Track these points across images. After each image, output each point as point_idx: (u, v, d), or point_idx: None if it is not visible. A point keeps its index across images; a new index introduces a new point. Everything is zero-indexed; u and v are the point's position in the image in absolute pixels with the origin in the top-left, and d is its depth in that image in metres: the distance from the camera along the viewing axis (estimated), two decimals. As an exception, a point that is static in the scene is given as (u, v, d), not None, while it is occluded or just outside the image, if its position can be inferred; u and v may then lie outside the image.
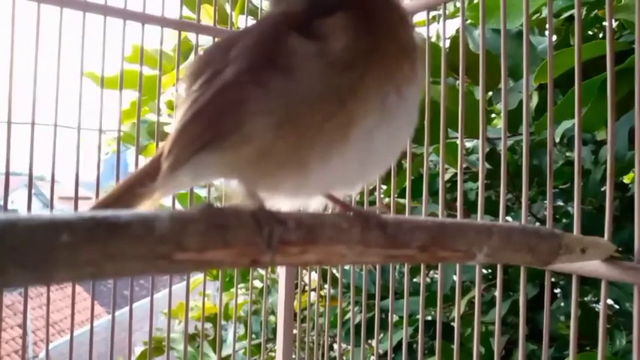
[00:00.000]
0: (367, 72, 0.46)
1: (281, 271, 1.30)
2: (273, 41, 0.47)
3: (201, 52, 1.24)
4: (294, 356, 1.26)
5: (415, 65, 0.49)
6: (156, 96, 1.12)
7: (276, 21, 0.51)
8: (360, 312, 1.05)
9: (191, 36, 1.25)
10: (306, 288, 1.68)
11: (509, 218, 1.22)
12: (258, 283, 1.94)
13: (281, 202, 0.50)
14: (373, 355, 1.27)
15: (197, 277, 1.88)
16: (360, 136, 0.46)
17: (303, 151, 0.45)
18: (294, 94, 0.45)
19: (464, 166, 0.96)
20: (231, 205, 0.45)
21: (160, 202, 0.57)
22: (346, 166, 0.48)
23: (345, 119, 0.45)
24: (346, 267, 1.30)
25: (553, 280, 1.31)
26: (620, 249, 0.80)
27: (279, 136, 0.45)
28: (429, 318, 1.41)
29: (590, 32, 1.26)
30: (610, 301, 1.25)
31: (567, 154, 1.34)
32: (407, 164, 1.04)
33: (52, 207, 1.03)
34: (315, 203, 0.54)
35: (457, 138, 0.88)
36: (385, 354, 1.09)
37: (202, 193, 1.27)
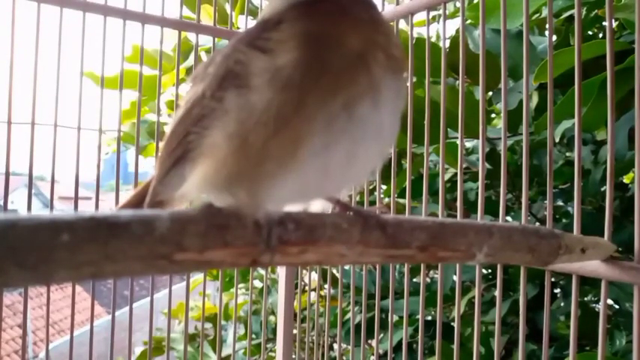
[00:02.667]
0: (310, 90, 0.44)
1: (281, 271, 1.30)
2: (234, 55, 0.47)
3: (201, 53, 1.24)
4: (294, 356, 1.26)
5: (373, 83, 0.46)
6: (156, 96, 1.12)
7: (246, 32, 0.51)
8: (360, 312, 1.05)
9: (191, 36, 1.25)
10: (306, 288, 1.68)
11: (509, 218, 1.22)
12: (258, 283, 1.94)
13: (281, 203, 0.50)
14: (373, 355, 1.27)
15: (197, 277, 1.88)
16: (314, 154, 0.44)
17: (253, 167, 0.45)
18: (243, 109, 0.44)
19: (464, 166, 0.96)
20: (231, 206, 0.45)
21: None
22: (305, 183, 0.46)
23: (290, 137, 0.44)
24: (346, 267, 1.30)
25: (553, 280, 1.31)
26: (620, 249, 0.80)
27: (230, 151, 0.45)
28: (429, 318, 1.42)
29: (590, 32, 1.26)
30: (610, 301, 1.25)
31: (567, 154, 1.34)
32: (407, 164, 1.04)
33: (52, 207, 1.03)
34: (314, 204, 0.54)
35: (457, 138, 0.88)
36: (385, 354, 1.09)
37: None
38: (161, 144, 0.53)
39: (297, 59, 0.44)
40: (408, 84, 0.95)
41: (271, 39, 0.45)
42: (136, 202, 0.57)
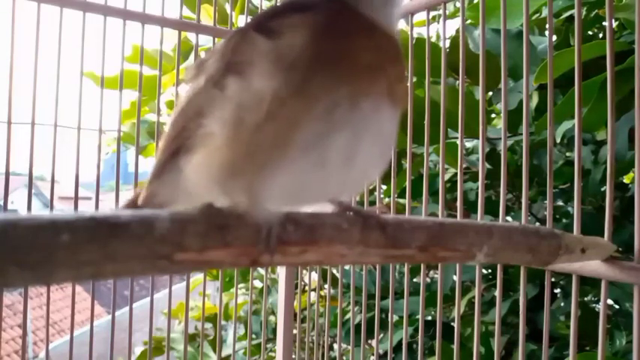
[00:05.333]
0: (315, 74, 0.42)
1: (281, 271, 1.30)
2: (237, 41, 0.46)
3: (201, 53, 1.24)
4: (294, 356, 1.26)
5: (376, 84, 0.45)
6: (156, 96, 1.12)
7: (250, 20, 0.50)
8: (360, 312, 1.05)
9: (191, 36, 1.25)
10: (306, 288, 1.68)
11: (509, 218, 1.22)
12: (258, 283, 1.94)
13: (278, 202, 0.50)
14: (373, 355, 1.27)
15: (197, 277, 1.88)
16: (307, 145, 0.43)
17: (246, 158, 0.43)
18: (243, 94, 0.43)
19: (464, 166, 0.96)
20: (231, 206, 0.44)
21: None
22: (300, 179, 0.44)
23: (284, 123, 0.42)
24: (346, 267, 1.30)
25: (553, 280, 1.31)
26: (620, 249, 0.80)
27: (224, 140, 0.43)
28: (429, 318, 1.42)
29: (590, 32, 1.26)
30: (610, 301, 1.25)
31: (567, 154, 1.34)
32: (407, 164, 1.04)
33: (52, 207, 1.03)
34: (311, 205, 0.53)
35: (457, 138, 0.88)
36: (385, 354, 1.09)
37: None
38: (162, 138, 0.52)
39: (308, 42, 0.43)
40: (408, 84, 0.95)
41: (283, 22, 0.45)
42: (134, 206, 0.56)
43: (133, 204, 0.56)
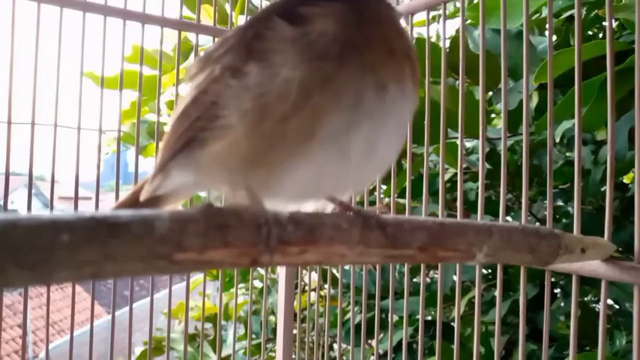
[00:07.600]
0: (344, 64, 0.41)
1: (281, 271, 1.30)
2: (259, 28, 0.45)
3: (201, 52, 1.24)
4: (294, 356, 1.26)
5: (404, 72, 0.45)
6: (156, 96, 1.12)
7: (269, 7, 0.49)
8: (360, 312, 1.05)
9: (191, 36, 1.25)
10: (306, 288, 1.68)
11: (509, 218, 1.22)
12: (258, 283, 1.94)
13: (292, 197, 0.49)
14: (373, 355, 1.27)
15: (197, 277, 1.88)
16: (331, 137, 0.42)
17: (269, 147, 0.42)
18: (265, 83, 0.42)
19: (464, 166, 0.96)
20: (231, 205, 0.44)
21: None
22: (319, 171, 0.44)
23: (310, 114, 0.41)
24: (346, 267, 1.30)
25: (553, 280, 1.31)
26: (620, 249, 0.80)
27: (248, 131, 0.42)
28: (429, 318, 1.42)
29: (590, 32, 1.26)
30: (610, 301, 1.25)
31: (567, 154, 1.34)
32: (407, 164, 1.04)
33: (52, 207, 1.03)
34: (314, 203, 0.53)
35: (457, 138, 0.88)
36: (385, 354, 1.09)
37: (202, 193, 1.27)
38: (168, 127, 0.50)
39: (340, 31, 0.42)
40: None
41: (311, 9, 0.43)
42: (133, 201, 0.56)
43: (135, 196, 0.56)
